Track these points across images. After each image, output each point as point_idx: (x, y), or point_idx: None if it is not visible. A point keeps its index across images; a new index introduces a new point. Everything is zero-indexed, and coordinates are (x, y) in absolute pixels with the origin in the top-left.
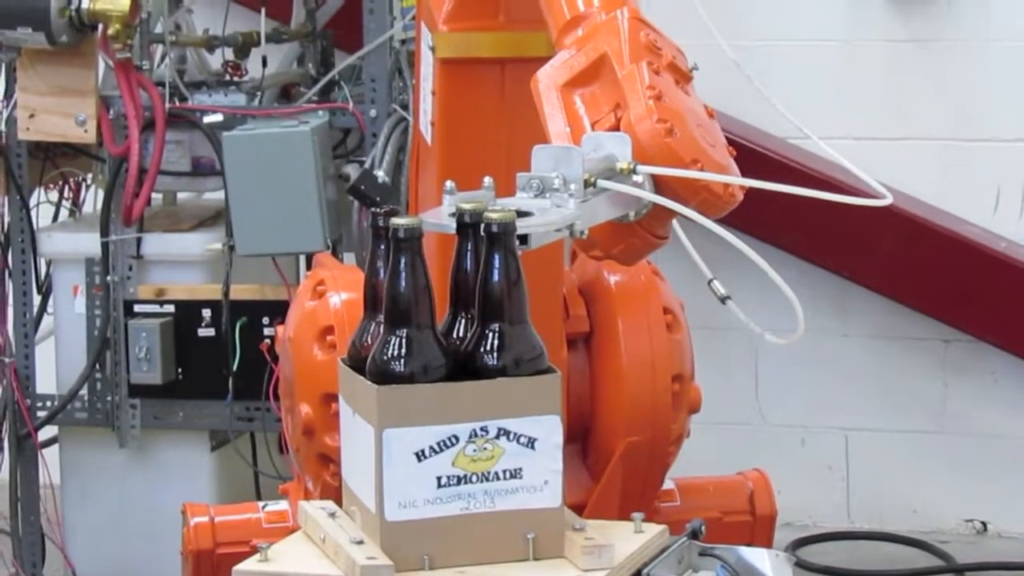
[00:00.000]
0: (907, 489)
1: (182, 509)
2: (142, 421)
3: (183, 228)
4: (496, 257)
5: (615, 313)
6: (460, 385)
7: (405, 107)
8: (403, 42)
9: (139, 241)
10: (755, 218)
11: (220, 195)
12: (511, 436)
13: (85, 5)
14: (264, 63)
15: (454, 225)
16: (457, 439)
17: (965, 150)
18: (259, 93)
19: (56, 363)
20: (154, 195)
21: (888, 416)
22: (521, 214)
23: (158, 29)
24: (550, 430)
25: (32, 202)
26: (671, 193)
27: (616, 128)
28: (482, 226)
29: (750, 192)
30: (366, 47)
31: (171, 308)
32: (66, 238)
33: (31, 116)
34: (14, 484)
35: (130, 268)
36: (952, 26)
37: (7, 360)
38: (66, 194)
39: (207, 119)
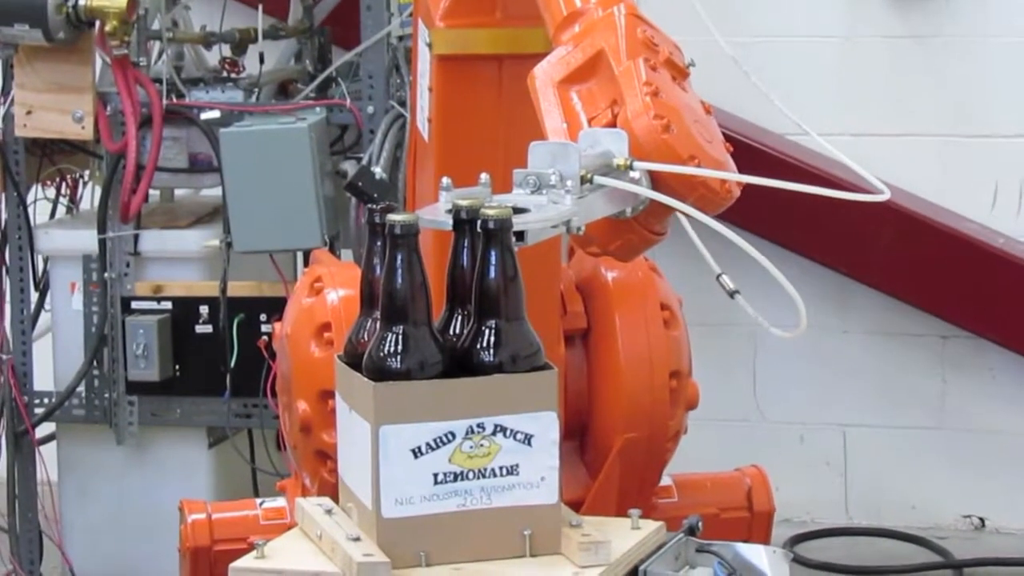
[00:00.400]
0: (905, 485)
1: (180, 506)
2: (140, 418)
3: (181, 225)
4: (493, 253)
5: (612, 309)
6: (457, 382)
7: (402, 104)
8: (400, 38)
9: (136, 238)
10: (753, 214)
11: (217, 192)
12: (508, 433)
13: (82, 2)
14: (261, 59)
15: (451, 221)
16: (454, 436)
17: (964, 146)
18: (256, 90)
19: (53, 360)
20: (151, 192)
21: (886, 412)
22: (518, 210)
23: (155, 25)
24: (547, 427)
25: (29, 199)
26: (668, 189)
27: (613, 124)
28: (479, 222)
29: (748, 188)
30: (363, 43)
31: (168, 305)
32: (63, 235)
33: (28, 113)
34: (11, 481)
35: (127, 265)
36: (951, 22)
37: (4, 357)
38: (63, 191)
39: (204, 116)
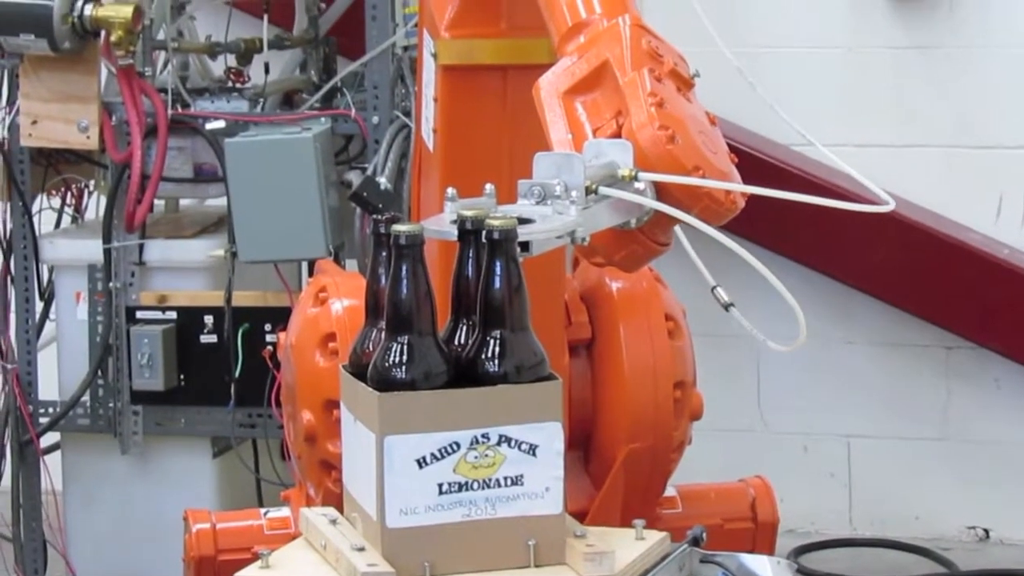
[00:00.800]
0: (909, 496)
1: (184, 516)
2: (144, 427)
3: (185, 235)
4: (498, 264)
5: (617, 320)
6: (461, 392)
7: (407, 114)
8: (405, 49)
9: (141, 248)
10: (758, 225)
11: (222, 202)
12: (512, 443)
13: (88, 12)
14: (266, 70)
15: (456, 232)
16: (458, 446)
17: (968, 157)
18: (261, 100)
19: (58, 369)
20: (156, 202)
21: (890, 423)
22: (523, 221)
23: (161, 36)
24: (551, 437)
25: (34, 208)
26: (673, 200)
27: (618, 135)
28: (484, 233)
29: (752, 199)
30: (368, 54)
31: (173, 315)
32: (68, 244)
33: (34, 123)
34: (16, 490)
35: (132, 275)
36: (955, 33)
37: (9, 366)
38: (68, 200)
39: (209, 126)
